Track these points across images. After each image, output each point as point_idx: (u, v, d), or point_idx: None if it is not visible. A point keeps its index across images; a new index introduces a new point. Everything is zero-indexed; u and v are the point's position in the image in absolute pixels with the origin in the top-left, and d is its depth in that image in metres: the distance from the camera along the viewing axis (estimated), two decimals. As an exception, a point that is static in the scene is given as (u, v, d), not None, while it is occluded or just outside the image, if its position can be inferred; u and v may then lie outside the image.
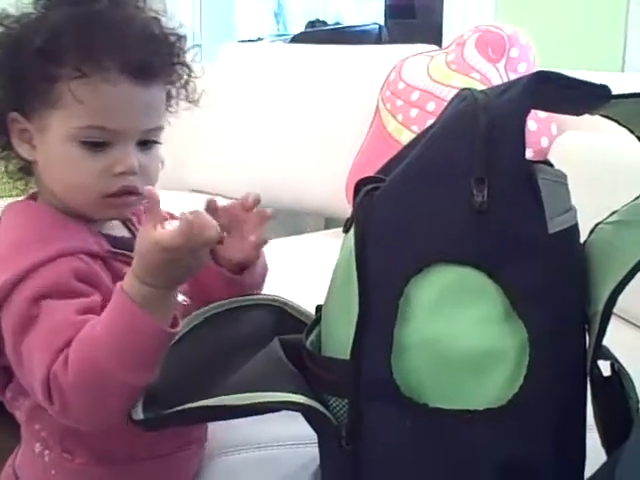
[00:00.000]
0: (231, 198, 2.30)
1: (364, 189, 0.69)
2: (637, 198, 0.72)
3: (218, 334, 0.78)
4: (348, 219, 0.73)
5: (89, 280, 0.74)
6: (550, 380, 0.62)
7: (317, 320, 0.75)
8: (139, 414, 0.68)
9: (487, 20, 1.96)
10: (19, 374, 0.74)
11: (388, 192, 0.66)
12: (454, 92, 1.77)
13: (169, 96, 0.82)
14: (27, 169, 0.81)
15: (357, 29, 3.13)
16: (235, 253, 0.82)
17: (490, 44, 1.72)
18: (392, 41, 3.06)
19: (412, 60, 1.82)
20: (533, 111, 1.80)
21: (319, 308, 0.77)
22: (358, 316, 0.63)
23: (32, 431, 0.80)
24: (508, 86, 0.67)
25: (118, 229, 0.83)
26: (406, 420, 0.63)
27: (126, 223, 0.85)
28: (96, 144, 0.75)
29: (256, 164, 2.12)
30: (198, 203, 2.17)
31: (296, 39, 3.01)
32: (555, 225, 0.64)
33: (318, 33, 2.98)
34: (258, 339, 0.75)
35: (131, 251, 0.76)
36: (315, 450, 0.74)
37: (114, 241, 0.80)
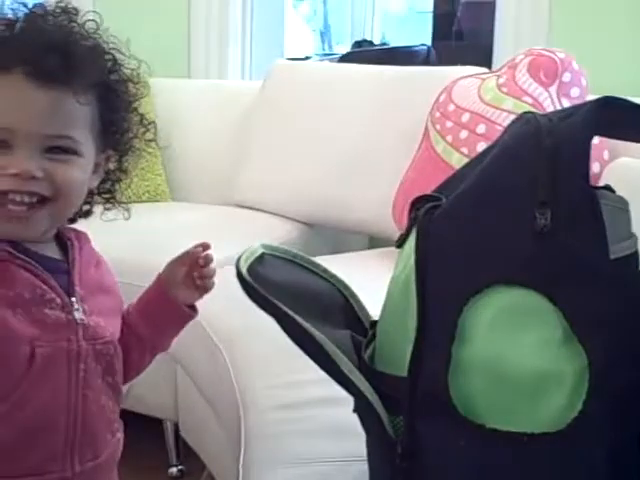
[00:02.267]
0: (276, 214, 2.32)
1: (425, 207, 0.70)
2: None
3: (297, 276, 0.78)
4: (402, 235, 0.74)
5: None
6: (610, 406, 0.62)
7: (373, 335, 0.76)
8: (244, 270, 0.69)
9: (539, 43, 1.96)
10: None
11: (449, 211, 0.67)
12: (505, 115, 1.77)
13: (103, 116, 0.82)
14: None
15: (405, 50, 3.14)
16: (187, 298, 0.91)
17: (542, 68, 1.71)
18: (439, 62, 3.06)
19: (463, 82, 1.83)
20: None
21: (374, 324, 0.78)
22: (416, 333, 0.64)
23: None
24: (572, 111, 0.67)
25: (47, 250, 0.83)
26: (461, 440, 0.63)
27: (63, 248, 0.84)
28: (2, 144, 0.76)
29: (302, 181, 2.14)
30: (244, 217, 2.16)
31: (345, 58, 3.03)
32: (616, 251, 0.64)
33: (366, 53, 3.00)
34: (329, 311, 0.75)
35: (58, 273, 0.80)
36: (364, 467, 0.74)
37: (36, 257, 0.80)
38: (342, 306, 0.82)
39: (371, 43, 4.01)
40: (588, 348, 0.61)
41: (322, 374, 1.12)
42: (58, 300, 0.80)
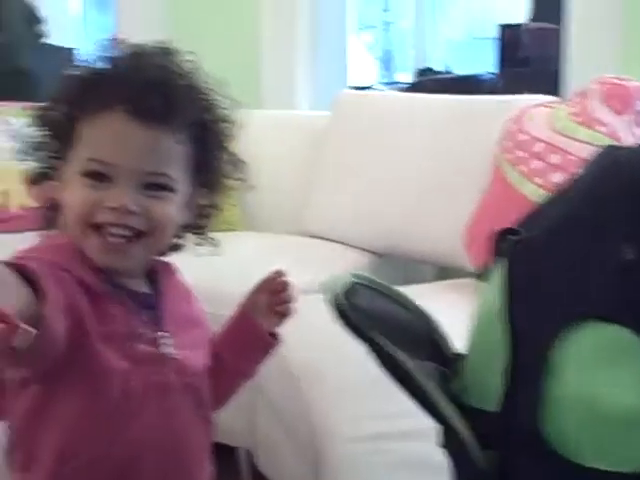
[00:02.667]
0: (346, 244, 2.33)
1: (510, 241, 0.70)
2: None
3: (384, 306, 0.79)
4: (484, 267, 0.75)
5: (73, 298, 0.75)
6: None
7: (458, 369, 0.76)
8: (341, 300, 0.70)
9: (608, 70, 1.94)
10: None
11: (538, 246, 0.67)
12: (579, 145, 1.75)
13: (198, 155, 0.85)
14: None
15: (471, 77, 3.14)
16: (269, 325, 0.93)
17: (616, 97, 1.70)
18: (505, 90, 3.06)
19: (533, 111, 1.82)
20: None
21: (456, 356, 0.78)
22: (508, 369, 0.64)
23: None
24: None
25: (137, 284, 0.85)
26: (553, 476, 0.63)
27: (151, 280, 0.87)
28: (97, 177, 0.80)
29: (372, 211, 2.15)
30: (313, 247, 2.17)
31: (412, 87, 3.05)
32: None
33: (433, 81, 3.01)
34: (414, 341, 0.76)
35: (147, 307, 0.83)
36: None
37: (127, 291, 0.82)
38: (426, 336, 0.83)
39: (435, 71, 4.02)
40: None
41: (404, 407, 1.12)
42: (149, 334, 0.82)
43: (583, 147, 1.59)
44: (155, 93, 0.81)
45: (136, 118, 0.80)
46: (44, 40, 4.83)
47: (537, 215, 0.75)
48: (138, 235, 0.81)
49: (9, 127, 2.41)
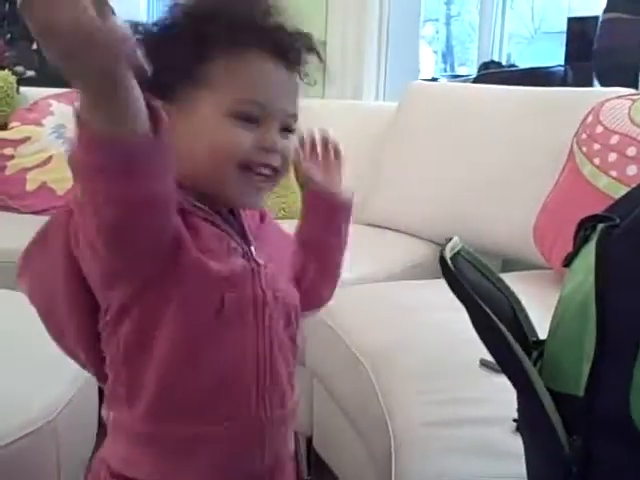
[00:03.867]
0: (410, 234, 2.32)
1: (600, 227, 0.69)
2: None
3: (480, 280, 0.79)
4: (569, 254, 0.74)
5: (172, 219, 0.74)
6: None
7: (539, 354, 0.74)
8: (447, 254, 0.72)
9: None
10: None
11: (631, 232, 0.66)
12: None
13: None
14: None
15: (542, 70, 3.09)
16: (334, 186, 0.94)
17: (699, 89, 1.65)
18: (576, 83, 3.00)
19: (611, 103, 1.78)
20: None
21: (537, 342, 0.76)
22: (596, 353, 0.63)
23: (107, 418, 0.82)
24: None
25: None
26: None
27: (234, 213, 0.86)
28: (248, 118, 0.79)
29: (437, 202, 2.13)
30: (378, 237, 2.17)
31: (478, 79, 3.01)
32: None
33: (500, 74, 2.96)
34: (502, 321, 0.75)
35: (229, 223, 0.82)
36: None
37: (213, 213, 0.81)
38: (511, 319, 0.81)
39: (499, 64, 3.96)
40: None
41: (474, 394, 1.10)
42: (240, 249, 0.82)
43: (662, 139, 1.54)
44: (290, 36, 0.81)
45: (280, 60, 0.80)
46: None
47: (625, 203, 0.73)
48: (275, 174, 0.82)
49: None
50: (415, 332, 1.41)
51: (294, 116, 0.82)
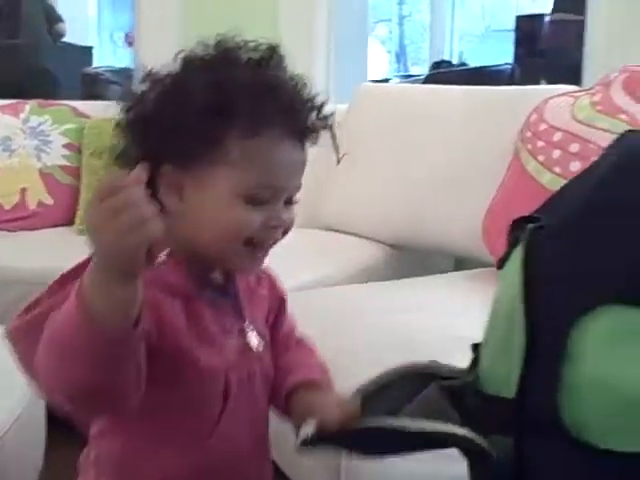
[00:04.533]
0: (362, 237, 2.32)
1: (528, 228, 0.69)
2: None
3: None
4: (502, 256, 0.74)
5: (163, 312, 0.73)
6: None
7: (476, 359, 0.75)
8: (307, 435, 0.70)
9: (631, 60, 1.91)
10: None
11: (558, 232, 0.66)
12: (600, 134, 1.74)
13: None
14: None
15: (490, 69, 3.12)
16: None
17: (638, 86, 1.67)
18: (523, 81, 3.03)
19: (554, 101, 1.80)
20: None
21: (476, 346, 0.77)
22: (524, 355, 0.63)
23: (88, 460, 0.81)
24: None
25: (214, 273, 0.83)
26: (574, 459, 0.62)
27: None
28: (260, 201, 0.77)
29: (388, 203, 2.13)
30: (331, 240, 2.16)
31: (428, 79, 3.04)
32: None
33: (450, 73, 2.99)
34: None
35: (219, 292, 0.80)
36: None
37: (208, 281, 0.80)
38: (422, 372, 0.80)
39: (450, 63, 4.00)
40: None
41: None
42: (235, 327, 0.81)
43: (603, 135, 1.56)
44: (303, 109, 0.79)
45: (293, 136, 0.78)
46: (63, 39, 4.85)
47: (555, 202, 0.74)
48: (275, 243, 0.81)
49: (27, 125, 2.42)
50: (370, 335, 1.40)
51: (299, 187, 0.81)
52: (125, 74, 3.48)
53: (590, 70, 2.20)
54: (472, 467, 0.71)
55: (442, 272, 2.05)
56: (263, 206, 0.77)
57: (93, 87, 3.97)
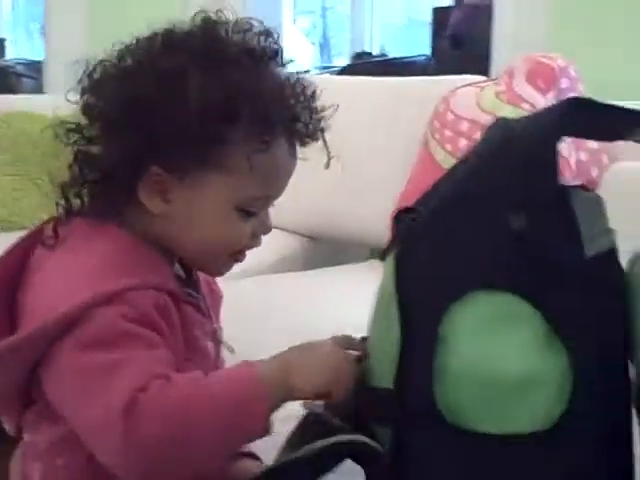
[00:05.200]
0: (277, 227, 2.31)
1: (402, 219, 0.71)
2: None
3: None
4: (385, 248, 0.75)
5: (165, 318, 0.70)
6: (596, 405, 0.63)
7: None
8: None
9: (537, 48, 1.96)
10: (65, 396, 0.67)
11: (426, 221, 0.68)
12: (504, 122, 1.75)
13: None
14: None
15: (405, 60, 3.15)
16: None
17: (540, 75, 1.72)
18: (439, 72, 3.07)
19: (461, 91, 1.83)
20: (584, 141, 1.79)
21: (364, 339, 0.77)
22: (400, 345, 0.64)
23: (52, 466, 0.72)
24: (542, 113, 0.68)
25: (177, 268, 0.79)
26: (451, 444, 0.64)
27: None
28: (254, 213, 0.74)
29: (302, 194, 2.13)
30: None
31: (344, 71, 3.05)
32: (592, 249, 0.64)
33: (366, 65, 3.01)
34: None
35: (190, 288, 0.76)
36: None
37: (180, 280, 0.76)
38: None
39: (371, 54, 4.02)
40: (571, 347, 0.62)
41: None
42: (209, 328, 0.77)
43: (507, 125, 1.60)
44: (305, 115, 0.75)
45: (294, 144, 0.75)
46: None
47: (433, 193, 0.75)
48: None
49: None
50: (276, 323, 1.41)
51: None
52: (37, 67, 3.40)
53: (498, 60, 2.24)
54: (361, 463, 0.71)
55: (358, 262, 2.07)
56: (254, 216, 0.74)
57: (3, 80, 3.85)
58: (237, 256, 0.76)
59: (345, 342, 0.71)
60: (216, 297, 0.84)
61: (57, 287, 0.68)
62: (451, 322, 0.63)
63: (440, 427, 0.63)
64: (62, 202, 0.75)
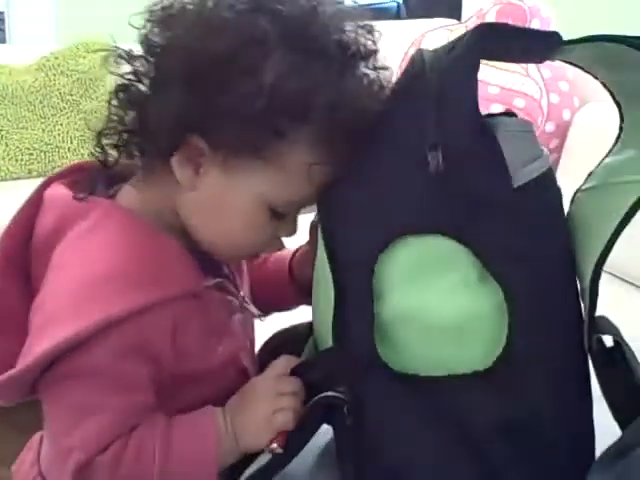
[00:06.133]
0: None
1: None
2: (608, 154, 0.68)
3: None
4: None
5: (182, 327, 0.66)
6: (537, 338, 0.61)
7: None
8: None
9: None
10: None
11: (351, 172, 0.64)
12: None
13: None
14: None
15: (375, 6, 3.10)
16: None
17: (511, 16, 1.70)
18: (410, 18, 3.03)
19: (432, 34, 1.81)
20: (555, 84, 1.78)
21: None
22: (334, 299, 0.62)
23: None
24: (455, 42, 0.63)
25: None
26: (399, 392, 0.63)
27: None
28: (283, 214, 0.68)
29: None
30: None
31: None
32: (523, 176, 0.61)
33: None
34: None
35: (219, 272, 0.72)
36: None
37: (204, 263, 0.70)
38: None
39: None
40: (504, 282, 0.60)
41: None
42: (236, 301, 0.74)
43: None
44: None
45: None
46: None
47: None
48: None
49: None
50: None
51: None
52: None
53: (469, 4, 2.21)
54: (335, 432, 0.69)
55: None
56: (282, 219, 0.68)
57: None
58: (254, 257, 0.74)
59: (286, 366, 0.69)
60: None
61: (62, 300, 0.64)
62: (383, 271, 0.61)
63: (386, 376, 0.62)
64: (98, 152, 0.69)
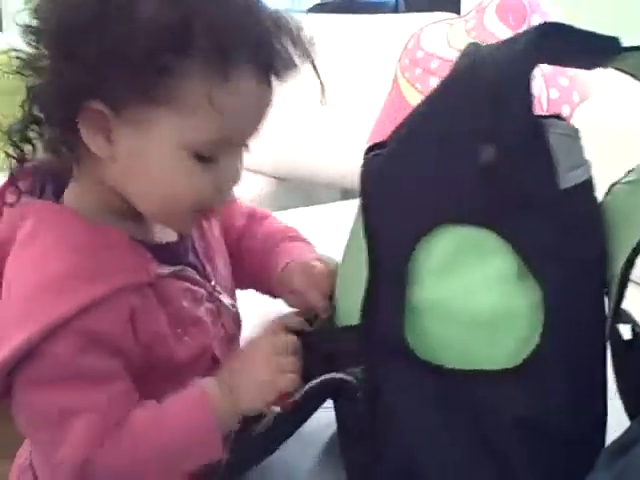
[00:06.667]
0: (252, 170, 2.31)
1: (369, 154, 0.68)
2: None
3: None
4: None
5: (139, 318, 0.65)
6: (567, 339, 0.61)
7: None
8: None
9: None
10: (24, 427, 0.66)
11: (392, 155, 0.65)
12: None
13: None
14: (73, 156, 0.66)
15: (373, 0, 3.10)
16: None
17: (511, 11, 1.69)
18: (408, 12, 3.02)
19: (431, 28, 1.80)
20: (555, 79, 1.78)
21: None
22: (368, 280, 0.62)
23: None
24: (514, 40, 0.64)
25: (163, 233, 0.72)
26: (421, 381, 0.63)
27: None
28: (215, 158, 0.64)
29: (272, 134, 2.11)
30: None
31: (312, 10, 2.99)
32: (568, 180, 0.62)
33: (333, 5, 2.95)
34: None
35: (180, 261, 0.70)
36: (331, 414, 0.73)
37: (161, 252, 0.69)
38: None
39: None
40: (542, 281, 0.60)
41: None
42: (203, 291, 0.72)
43: (477, 61, 1.58)
44: (277, 40, 0.63)
45: (264, 76, 0.64)
46: None
47: (400, 129, 0.73)
48: None
49: None
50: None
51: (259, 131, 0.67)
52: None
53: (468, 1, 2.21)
54: (337, 408, 0.70)
55: (328, 203, 2.06)
56: (213, 164, 0.64)
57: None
58: (204, 212, 0.69)
59: (281, 326, 0.68)
60: (218, 243, 0.78)
61: (13, 310, 0.64)
62: (420, 257, 0.61)
63: (412, 363, 0.62)
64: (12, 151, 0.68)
